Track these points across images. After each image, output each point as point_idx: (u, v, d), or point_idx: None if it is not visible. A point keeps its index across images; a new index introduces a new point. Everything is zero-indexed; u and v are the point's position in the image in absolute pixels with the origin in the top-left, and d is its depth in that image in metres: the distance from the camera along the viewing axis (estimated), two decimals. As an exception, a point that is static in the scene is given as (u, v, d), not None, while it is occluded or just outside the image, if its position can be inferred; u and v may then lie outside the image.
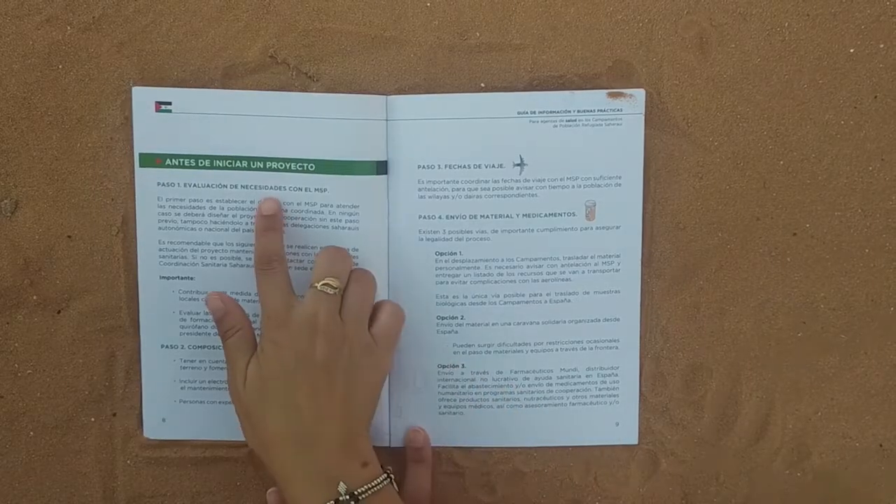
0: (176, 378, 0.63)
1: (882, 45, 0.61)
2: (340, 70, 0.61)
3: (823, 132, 0.62)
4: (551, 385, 0.63)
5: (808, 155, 0.62)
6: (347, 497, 0.53)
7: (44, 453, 0.64)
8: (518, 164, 0.61)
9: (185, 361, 0.62)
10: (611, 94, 0.61)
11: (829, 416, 0.64)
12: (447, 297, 0.62)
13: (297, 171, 0.60)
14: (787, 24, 0.61)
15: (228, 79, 0.61)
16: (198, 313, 0.62)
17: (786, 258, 0.63)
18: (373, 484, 0.54)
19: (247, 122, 0.60)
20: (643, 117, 0.61)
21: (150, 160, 0.60)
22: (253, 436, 0.57)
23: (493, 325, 0.62)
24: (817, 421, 0.64)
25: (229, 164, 0.60)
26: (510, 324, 0.62)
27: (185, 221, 0.61)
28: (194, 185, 0.60)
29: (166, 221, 0.61)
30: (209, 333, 0.62)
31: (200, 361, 0.62)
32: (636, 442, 0.64)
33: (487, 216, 0.61)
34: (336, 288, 0.57)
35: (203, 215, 0.61)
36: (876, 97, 0.62)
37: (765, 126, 0.62)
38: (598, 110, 0.61)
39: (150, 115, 0.60)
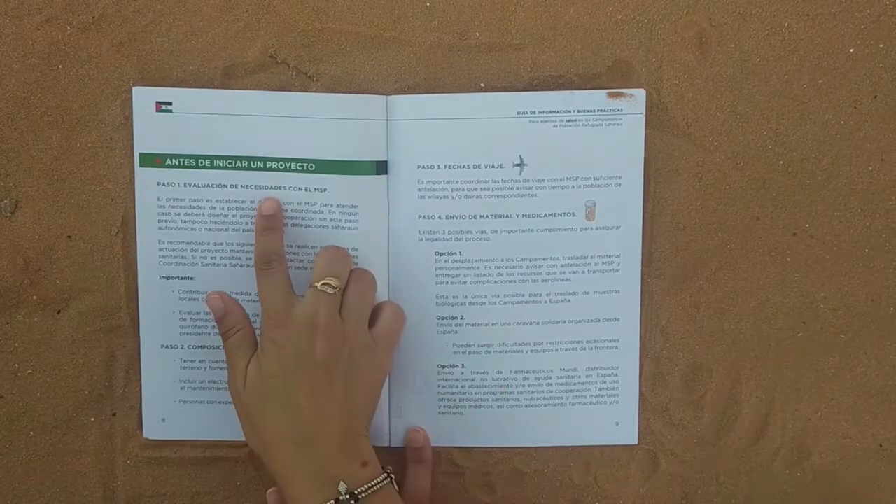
0: (176, 378, 0.63)
1: (882, 45, 0.61)
2: (340, 70, 0.61)
3: (823, 132, 0.62)
4: (551, 385, 0.63)
5: (808, 155, 0.62)
6: (347, 496, 0.53)
7: (44, 453, 0.64)
8: (518, 164, 0.61)
9: (184, 361, 0.62)
10: (611, 94, 0.61)
11: (829, 416, 0.64)
12: (447, 297, 0.62)
13: (297, 170, 0.60)
14: (786, 24, 0.61)
15: (228, 79, 0.61)
16: (198, 313, 0.62)
17: (786, 258, 0.63)
18: (373, 483, 0.54)
19: (247, 121, 0.60)
20: (643, 117, 0.61)
21: (151, 160, 0.60)
22: (253, 435, 0.57)
23: (492, 325, 0.62)
24: (817, 421, 0.64)
25: (229, 163, 0.60)
26: (510, 324, 0.62)
27: (185, 221, 0.61)
28: (194, 185, 0.60)
29: (166, 221, 0.61)
30: (209, 333, 0.62)
31: (200, 361, 0.62)
32: (636, 442, 0.64)
33: (487, 216, 0.61)
34: (336, 287, 0.57)
35: (203, 215, 0.61)
36: (876, 97, 0.62)
37: (765, 126, 0.62)
38: (598, 110, 0.61)
39: (150, 114, 0.60)
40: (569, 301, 0.62)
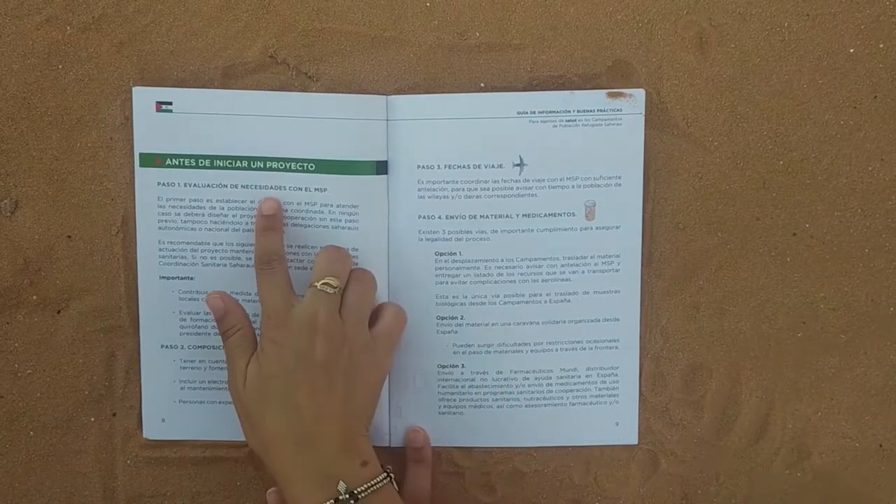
0: (176, 378, 0.63)
1: (882, 45, 0.61)
2: (340, 70, 0.61)
3: (823, 132, 0.62)
4: (551, 385, 0.63)
5: (808, 155, 0.62)
6: (347, 496, 0.53)
7: (44, 453, 0.64)
8: (518, 165, 0.61)
9: (184, 361, 0.62)
10: (611, 94, 0.61)
11: (829, 416, 0.64)
12: (447, 297, 0.62)
13: (297, 170, 0.60)
14: (786, 24, 0.61)
15: (228, 79, 0.61)
16: (198, 313, 0.62)
17: (786, 258, 0.63)
18: (372, 483, 0.54)
19: (247, 121, 0.60)
20: (643, 117, 0.61)
21: (151, 160, 0.60)
22: (253, 435, 0.57)
23: (492, 325, 0.62)
24: (817, 421, 0.64)
25: (229, 163, 0.60)
26: (510, 324, 0.62)
27: (185, 221, 0.61)
28: (194, 185, 0.60)
29: (166, 221, 0.61)
30: (209, 333, 0.62)
31: (200, 361, 0.62)
32: (636, 442, 0.64)
33: (487, 216, 0.61)
34: (336, 287, 0.57)
35: (203, 215, 0.61)
36: (876, 97, 0.62)
37: (764, 126, 0.62)
38: (598, 110, 0.61)
39: (150, 114, 0.60)
40: (569, 301, 0.62)
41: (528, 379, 0.63)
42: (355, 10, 0.61)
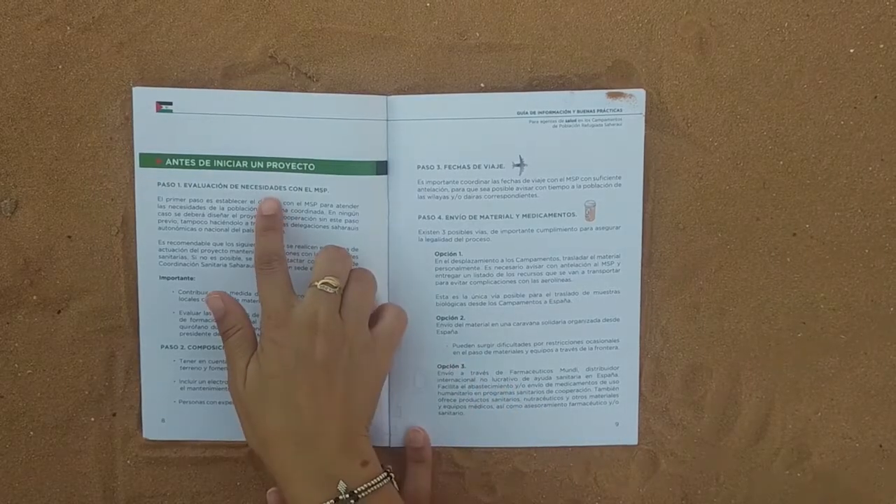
0: (176, 378, 0.63)
1: (882, 46, 0.61)
2: (340, 70, 0.61)
3: (823, 132, 0.62)
4: (551, 385, 0.63)
5: (808, 155, 0.62)
6: (347, 496, 0.53)
7: (44, 453, 0.64)
8: (518, 165, 0.61)
9: (184, 361, 0.62)
10: (610, 95, 0.61)
11: (829, 417, 0.64)
12: (447, 297, 0.62)
13: (297, 171, 0.60)
14: (786, 25, 0.61)
15: (228, 79, 0.61)
16: (198, 313, 0.62)
17: (786, 258, 0.63)
18: (372, 483, 0.54)
19: (247, 122, 0.60)
20: (643, 117, 0.61)
21: (151, 160, 0.60)
22: (253, 434, 0.57)
23: (492, 325, 0.62)
24: (817, 421, 0.64)
25: (229, 164, 0.60)
26: (510, 324, 0.62)
27: (185, 221, 0.61)
28: (194, 185, 0.60)
29: (166, 221, 0.61)
30: (209, 333, 0.62)
31: (200, 361, 0.62)
32: (636, 442, 0.64)
33: (487, 216, 0.61)
34: (336, 287, 0.57)
35: (203, 215, 0.61)
36: (876, 97, 0.62)
37: (764, 126, 0.62)
38: (598, 110, 0.61)
39: (150, 115, 0.60)
40: (569, 301, 0.62)
41: (528, 379, 0.63)
42: (355, 10, 0.61)
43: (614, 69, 0.62)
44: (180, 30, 0.61)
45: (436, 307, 0.62)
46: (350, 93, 0.61)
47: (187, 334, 0.62)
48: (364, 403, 0.58)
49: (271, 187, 0.60)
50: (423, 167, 0.61)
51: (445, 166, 0.61)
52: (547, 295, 0.62)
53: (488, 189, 0.61)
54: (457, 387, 0.63)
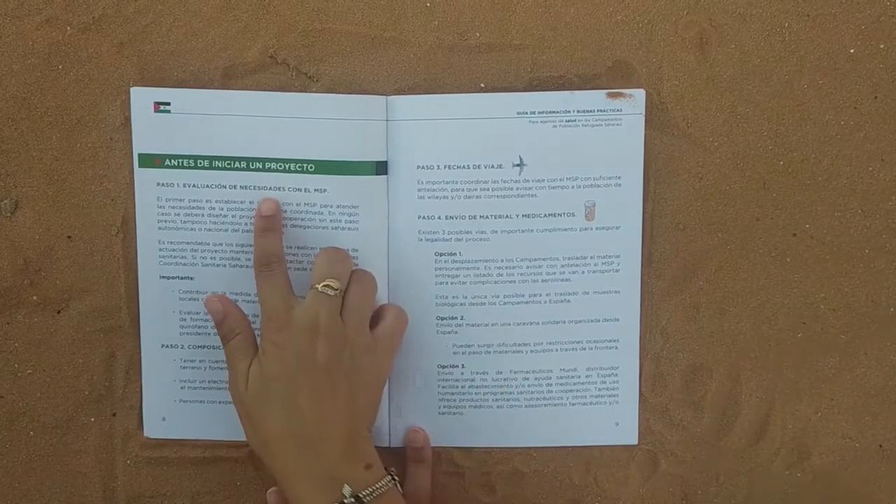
0: (176, 378, 0.63)
1: (882, 46, 0.61)
2: (340, 70, 0.61)
3: (823, 133, 0.62)
4: (551, 385, 0.63)
5: (808, 155, 0.62)
6: (352, 500, 0.53)
7: (44, 453, 0.64)
8: (517, 165, 0.61)
9: (185, 361, 0.62)
10: (610, 95, 0.61)
11: (829, 417, 0.64)
12: (447, 297, 0.62)
13: (296, 171, 0.60)
14: (787, 25, 0.61)
15: (228, 79, 0.61)
16: (198, 313, 0.62)
17: (786, 259, 0.63)
18: (377, 486, 0.54)
19: (246, 122, 0.60)
20: (643, 117, 0.61)
21: (150, 160, 0.60)
22: (255, 437, 0.57)
23: (492, 325, 0.62)
24: (817, 421, 0.64)
25: (228, 164, 0.60)
26: (510, 324, 0.62)
27: (185, 222, 0.61)
28: (193, 186, 0.60)
29: (166, 222, 0.61)
30: (209, 333, 0.62)
31: (200, 361, 0.62)
32: (636, 442, 0.64)
33: (487, 216, 0.61)
34: (337, 289, 0.57)
35: (202, 216, 0.61)
36: (876, 98, 0.62)
37: (765, 126, 0.62)
38: (598, 110, 0.61)
39: (148, 115, 0.60)
40: (568, 301, 0.62)
41: (527, 379, 0.63)
42: (355, 10, 0.61)
43: (614, 69, 0.62)
44: (180, 30, 0.61)
45: (436, 307, 0.62)
46: (350, 93, 0.61)
47: (187, 334, 0.62)
48: (366, 405, 0.58)
49: (270, 188, 0.60)
50: (423, 167, 0.61)
51: (445, 166, 0.61)
52: (547, 295, 0.62)
53: (488, 189, 0.61)
54: (457, 387, 0.63)
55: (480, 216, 0.61)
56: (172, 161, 0.60)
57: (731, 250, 0.63)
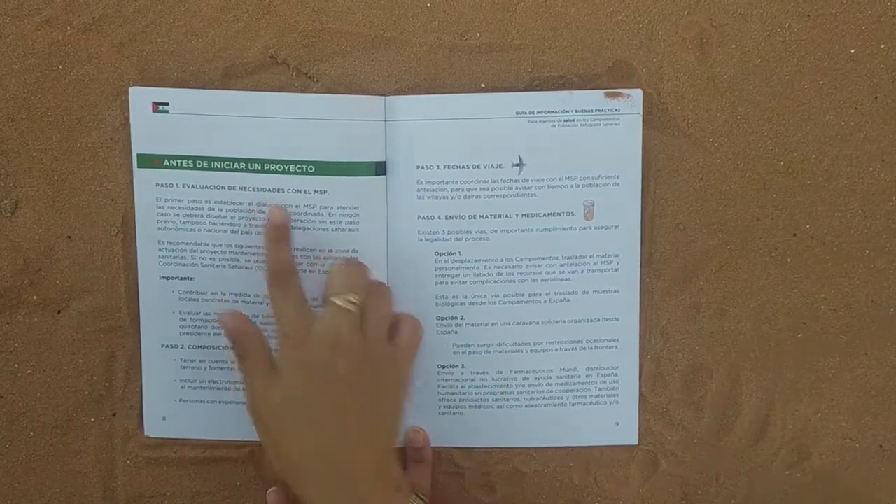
0: (176, 377, 0.63)
1: (883, 46, 0.61)
2: (340, 70, 0.61)
3: (824, 133, 0.62)
4: (551, 385, 0.63)
5: (809, 156, 0.62)
6: None
7: (44, 453, 0.64)
8: (517, 164, 0.61)
9: (185, 361, 0.63)
10: (608, 95, 0.61)
11: (829, 417, 0.64)
12: (447, 297, 0.62)
13: (296, 172, 0.60)
14: (787, 25, 0.61)
15: (228, 79, 0.61)
16: (197, 313, 0.62)
17: (786, 259, 0.63)
18: None
19: (245, 123, 0.60)
20: (641, 117, 0.61)
21: (148, 161, 0.60)
22: (279, 461, 0.54)
23: (492, 325, 0.62)
24: (817, 421, 0.64)
25: (227, 165, 0.60)
26: (510, 324, 0.62)
27: (184, 222, 0.61)
28: (192, 187, 0.60)
29: (165, 222, 0.61)
30: (209, 333, 0.62)
31: (200, 361, 0.63)
32: (636, 442, 0.64)
33: (486, 216, 0.61)
34: (356, 304, 0.55)
35: (202, 216, 0.61)
36: (876, 98, 0.61)
37: (765, 127, 0.62)
38: (596, 110, 0.61)
39: (147, 115, 0.60)
40: (568, 301, 0.62)
41: (527, 379, 0.63)
42: (355, 10, 0.61)
43: (615, 69, 0.61)
44: (180, 30, 0.61)
45: (436, 307, 0.62)
46: (350, 93, 0.61)
47: (187, 334, 0.62)
48: (391, 419, 0.56)
49: (270, 189, 0.60)
50: (423, 167, 0.61)
51: (445, 166, 0.61)
52: (546, 294, 0.62)
53: (488, 189, 0.61)
54: (457, 387, 0.63)
55: (480, 216, 0.61)
56: (171, 161, 0.60)
57: (732, 250, 0.63)
